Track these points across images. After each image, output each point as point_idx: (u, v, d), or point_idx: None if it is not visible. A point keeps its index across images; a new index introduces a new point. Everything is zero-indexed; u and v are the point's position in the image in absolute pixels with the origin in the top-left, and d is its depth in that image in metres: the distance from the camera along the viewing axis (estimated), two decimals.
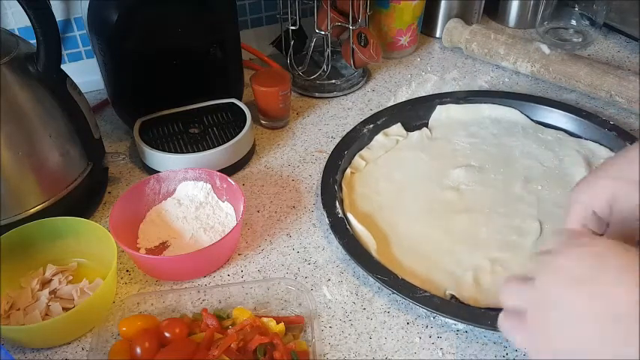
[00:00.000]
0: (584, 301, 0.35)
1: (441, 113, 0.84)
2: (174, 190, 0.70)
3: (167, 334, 0.53)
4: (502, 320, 0.41)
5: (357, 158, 0.78)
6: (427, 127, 0.84)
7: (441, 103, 0.85)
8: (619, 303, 0.33)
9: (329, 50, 0.89)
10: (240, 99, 0.84)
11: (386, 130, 0.82)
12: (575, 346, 0.35)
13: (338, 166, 0.74)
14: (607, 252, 0.36)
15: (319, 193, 0.71)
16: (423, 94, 0.90)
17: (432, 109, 0.85)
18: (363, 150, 0.79)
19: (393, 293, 0.59)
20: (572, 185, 0.70)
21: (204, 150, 0.74)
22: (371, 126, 0.81)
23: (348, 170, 0.76)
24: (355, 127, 0.81)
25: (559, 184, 0.73)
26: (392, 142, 0.81)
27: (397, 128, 0.82)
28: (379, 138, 0.81)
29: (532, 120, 0.83)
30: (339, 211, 0.67)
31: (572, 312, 0.35)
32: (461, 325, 0.57)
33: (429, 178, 0.75)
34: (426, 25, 1.06)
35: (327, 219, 0.66)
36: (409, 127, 0.83)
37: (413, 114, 0.84)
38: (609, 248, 0.36)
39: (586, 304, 0.34)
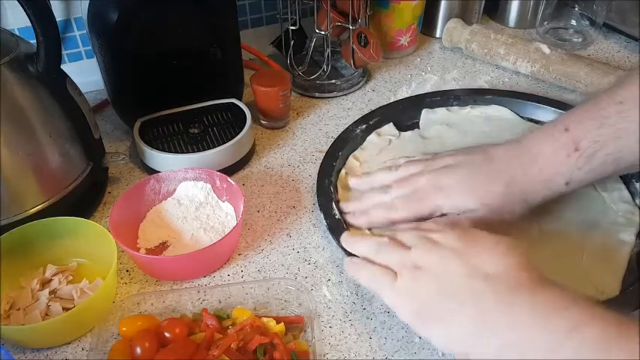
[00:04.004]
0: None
1: (432, 112, 0.84)
2: (174, 190, 0.70)
3: (167, 334, 0.53)
4: (349, 265, 0.55)
5: (350, 159, 0.77)
6: (419, 126, 0.83)
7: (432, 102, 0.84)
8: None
9: (329, 50, 0.89)
10: (240, 99, 0.84)
11: (378, 130, 0.81)
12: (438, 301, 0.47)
13: (332, 167, 0.74)
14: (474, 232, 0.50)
15: None
16: None
17: (423, 108, 0.84)
18: (356, 151, 0.79)
19: None
20: None
21: (204, 150, 0.74)
22: (363, 126, 0.80)
23: (343, 171, 0.75)
24: (348, 127, 0.80)
25: None
26: (385, 142, 0.80)
27: (389, 128, 0.82)
28: (372, 138, 0.80)
29: (522, 117, 0.83)
30: (336, 212, 0.67)
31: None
32: None
33: None
34: (426, 25, 1.06)
35: (324, 221, 0.66)
36: (401, 127, 0.83)
37: (404, 113, 0.84)
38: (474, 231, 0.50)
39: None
